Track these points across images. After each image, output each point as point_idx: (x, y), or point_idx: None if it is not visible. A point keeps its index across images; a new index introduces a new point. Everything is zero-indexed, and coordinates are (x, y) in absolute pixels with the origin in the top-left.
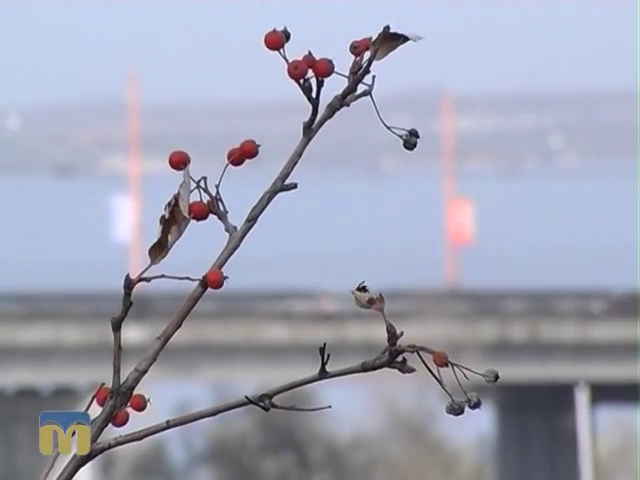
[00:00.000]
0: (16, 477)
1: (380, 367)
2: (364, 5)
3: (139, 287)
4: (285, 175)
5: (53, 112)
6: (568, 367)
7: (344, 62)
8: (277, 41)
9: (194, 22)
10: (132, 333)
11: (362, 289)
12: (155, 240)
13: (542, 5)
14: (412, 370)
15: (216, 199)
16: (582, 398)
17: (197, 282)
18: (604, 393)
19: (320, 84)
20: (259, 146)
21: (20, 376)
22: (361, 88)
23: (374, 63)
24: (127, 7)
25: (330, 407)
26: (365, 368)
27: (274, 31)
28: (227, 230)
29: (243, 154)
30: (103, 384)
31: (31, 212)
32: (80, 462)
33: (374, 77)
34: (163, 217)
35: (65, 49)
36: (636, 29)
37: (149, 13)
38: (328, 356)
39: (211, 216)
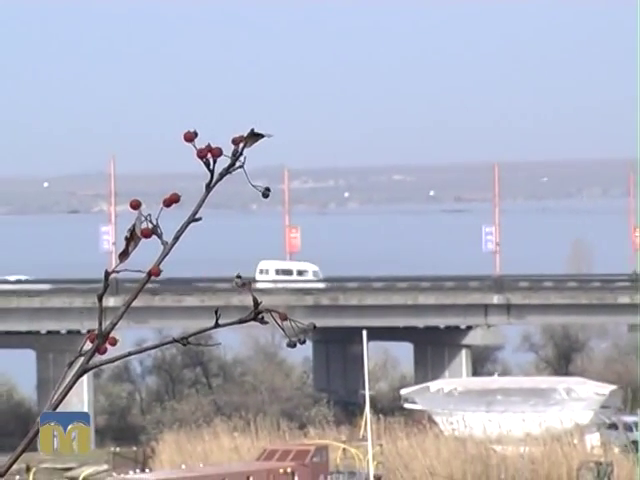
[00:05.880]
0: (47, 383)
1: (249, 321)
2: (247, 113)
3: (113, 276)
4: (195, 213)
5: (67, 178)
6: (355, 319)
7: (229, 147)
8: (190, 137)
9: (142, 119)
10: (110, 302)
11: (239, 277)
12: (122, 250)
13: (349, 98)
14: (267, 323)
15: (156, 226)
16: (364, 336)
17: (145, 273)
18: (375, 333)
19: (214, 161)
20: (180, 196)
21: (48, 324)
22: (238, 164)
23: (245, 149)
24: (109, 105)
25: (220, 343)
26: (241, 321)
27: (188, 131)
28: (162, 244)
29: (171, 201)
30: (92, 330)
31: (54, 236)
32: (81, 374)
33: (245, 157)
34: (126, 236)
35: (75, 140)
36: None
37: (123, 110)
38: (220, 315)
39: (153, 236)
